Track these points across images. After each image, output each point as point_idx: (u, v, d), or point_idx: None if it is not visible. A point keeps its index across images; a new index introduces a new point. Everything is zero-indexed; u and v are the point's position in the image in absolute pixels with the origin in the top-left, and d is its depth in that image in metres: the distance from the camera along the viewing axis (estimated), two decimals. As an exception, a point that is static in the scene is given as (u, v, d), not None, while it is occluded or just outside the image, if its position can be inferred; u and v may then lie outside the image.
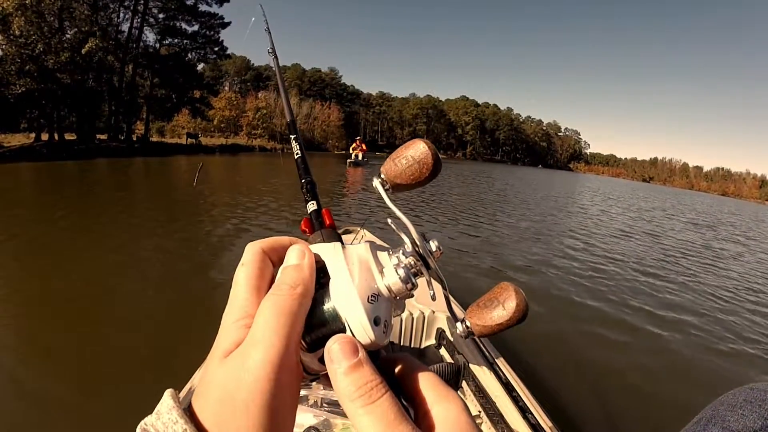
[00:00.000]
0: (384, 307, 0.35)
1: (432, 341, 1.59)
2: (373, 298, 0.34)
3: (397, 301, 0.37)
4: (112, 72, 28.19)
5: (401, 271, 0.37)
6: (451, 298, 0.42)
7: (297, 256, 0.34)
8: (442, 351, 1.56)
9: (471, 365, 1.38)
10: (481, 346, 1.50)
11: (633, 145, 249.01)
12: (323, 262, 0.37)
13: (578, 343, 3.20)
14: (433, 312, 1.56)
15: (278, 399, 0.26)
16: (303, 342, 0.34)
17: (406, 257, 0.38)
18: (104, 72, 26.94)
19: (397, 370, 0.33)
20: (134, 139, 31.60)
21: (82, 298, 3.51)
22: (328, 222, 0.51)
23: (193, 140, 37.71)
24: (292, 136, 0.65)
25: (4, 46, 18.97)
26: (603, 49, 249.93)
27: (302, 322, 0.31)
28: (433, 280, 0.39)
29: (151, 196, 10.08)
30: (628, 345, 3.37)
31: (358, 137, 27.37)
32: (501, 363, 1.44)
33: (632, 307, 4.17)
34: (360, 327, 0.33)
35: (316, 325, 0.34)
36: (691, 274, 6.03)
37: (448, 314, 1.18)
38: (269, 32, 0.99)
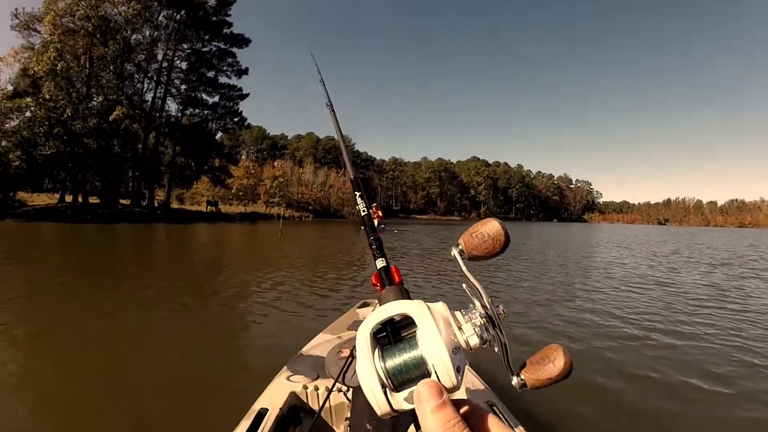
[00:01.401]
0: (462, 358, 0.42)
1: None
2: (455, 350, 0.41)
3: (471, 354, 0.44)
4: (137, 139, 28.75)
5: (478, 330, 0.44)
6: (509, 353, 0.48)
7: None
8: None
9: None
10: (501, 416, 1.54)
11: (645, 189, 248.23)
12: (410, 316, 0.44)
13: (605, 408, 2.97)
14: None
15: None
16: (391, 382, 0.41)
17: (480, 318, 0.45)
18: (129, 139, 27.45)
19: (463, 411, 0.39)
20: (156, 205, 31.55)
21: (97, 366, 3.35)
22: (397, 279, 0.60)
23: (213, 208, 37.77)
24: (357, 194, 0.75)
25: (33, 108, 19.32)
26: (607, 99, 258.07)
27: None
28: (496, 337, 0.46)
29: (196, 264, 9.80)
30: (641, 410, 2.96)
31: (374, 204, 26.98)
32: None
33: (642, 371, 3.67)
34: (445, 373, 0.39)
35: (404, 369, 0.41)
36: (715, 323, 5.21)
37: (468, 386, 1.77)
38: (323, 84, 1.09)
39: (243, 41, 34.89)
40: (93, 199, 25.36)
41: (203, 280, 7.13)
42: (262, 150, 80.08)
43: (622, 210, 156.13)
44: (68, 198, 23.55)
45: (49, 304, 5.12)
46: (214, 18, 32.20)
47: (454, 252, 0.53)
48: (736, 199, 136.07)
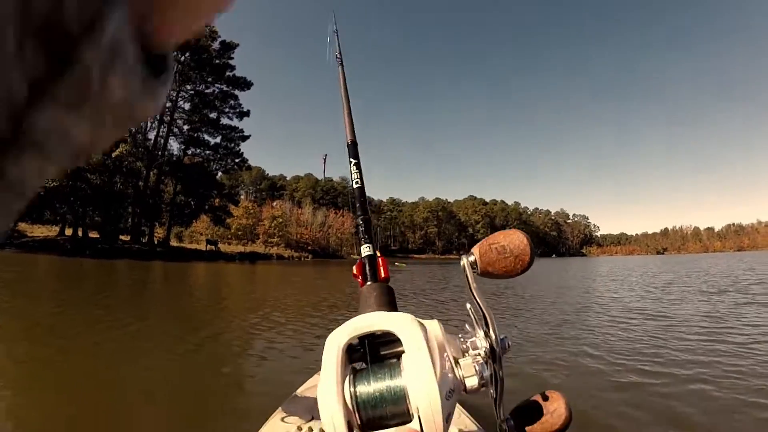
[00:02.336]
0: (454, 402, 0.33)
1: None
2: (449, 394, 0.32)
3: (464, 395, 0.36)
4: (138, 176, 28.99)
5: (478, 368, 0.36)
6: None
7: None
8: None
9: None
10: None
11: (642, 219, 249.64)
12: (391, 330, 0.35)
13: None
14: None
15: None
16: (358, 416, 0.32)
17: (481, 351, 0.37)
18: (131, 176, 27.68)
19: None
20: (155, 242, 31.36)
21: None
22: (383, 274, 0.52)
23: (213, 247, 37.55)
24: (352, 161, 0.67)
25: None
26: (600, 131, 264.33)
27: None
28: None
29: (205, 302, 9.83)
30: None
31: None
32: None
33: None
34: (432, 422, 0.31)
35: (379, 401, 0.31)
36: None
37: (461, 428, 1.27)
38: (337, 36, 1.00)
39: (245, 84, 36.01)
40: (93, 234, 25.23)
41: (199, 320, 7.13)
42: (261, 190, 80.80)
43: (620, 242, 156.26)
44: (68, 231, 23.40)
45: (35, 336, 5.17)
46: (217, 61, 33.37)
47: (464, 262, 0.45)
48: (734, 223, 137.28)
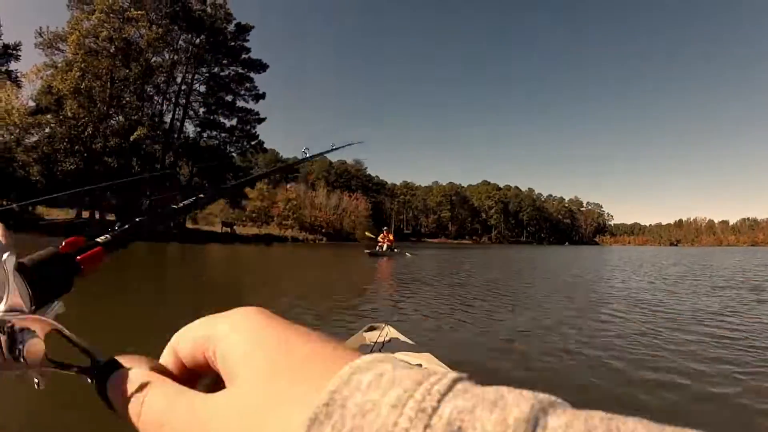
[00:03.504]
0: None
1: None
2: None
3: None
4: (155, 160, 29.06)
5: None
6: None
7: None
8: None
9: None
10: None
11: (656, 210, 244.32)
12: None
13: None
14: None
15: None
16: None
17: None
18: (148, 159, 27.75)
19: None
20: (171, 225, 31.58)
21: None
22: None
23: (228, 229, 37.70)
24: None
25: (52, 125, 19.55)
26: (617, 119, 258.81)
27: None
28: None
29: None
30: None
31: (385, 228, 26.94)
32: None
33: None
34: None
35: None
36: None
37: None
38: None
39: (261, 66, 35.64)
40: (110, 217, 25.48)
41: (212, 300, 7.23)
42: (275, 173, 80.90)
43: (634, 232, 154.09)
44: (85, 214, 23.65)
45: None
46: (232, 43, 32.99)
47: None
48: (748, 218, 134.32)
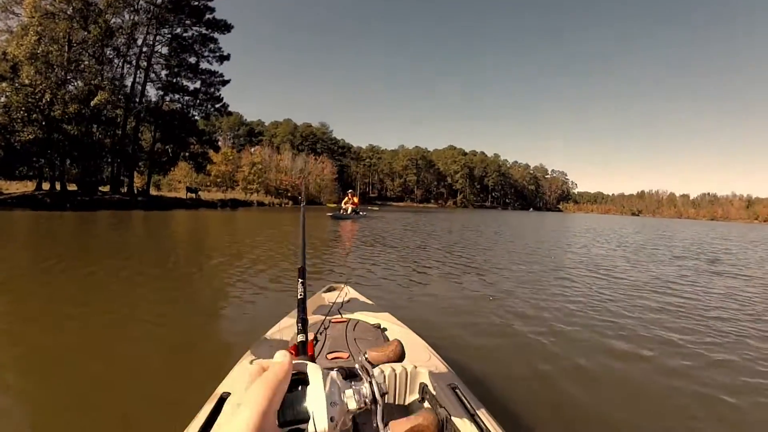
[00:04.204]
0: (338, 411, 0.53)
1: (416, 396, 1.61)
2: (332, 405, 0.52)
3: (347, 413, 0.59)
4: (116, 125, 28.15)
5: (357, 397, 0.61)
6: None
7: (281, 355, 0.50)
8: (426, 405, 1.56)
9: (453, 418, 1.41)
10: (463, 399, 1.53)
11: (619, 180, 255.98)
12: (306, 374, 0.55)
13: (563, 387, 3.04)
14: (416, 368, 1.60)
15: None
16: (277, 419, 0.49)
17: (362, 395, 0.63)
18: (110, 125, 26.89)
19: None
20: (135, 191, 31.08)
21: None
22: (310, 352, 0.91)
23: (193, 194, 37.35)
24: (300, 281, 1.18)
25: (8, 94, 18.74)
26: (584, 88, 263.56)
27: (280, 397, 0.45)
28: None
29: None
30: (617, 387, 3.13)
31: (350, 191, 27.46)
32: (483, 414, 1.47)
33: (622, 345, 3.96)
34: (321, 420, 0.50)
35: (290, 410, 0.50)
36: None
37: (431, 369, 1.62)
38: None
39: (225, 27, 34.29)
40: (71, 187, 24.89)
41: (177, 265, 7.18)
42: (239, 136, 78.87)
43: (597, 201, 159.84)
44: (45, 186, 23.04)
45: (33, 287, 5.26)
46: (195, 2, 31.54)
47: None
48: (708, 193, 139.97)
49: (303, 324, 0.98)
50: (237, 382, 1.59)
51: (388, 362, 1.26)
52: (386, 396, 0.67)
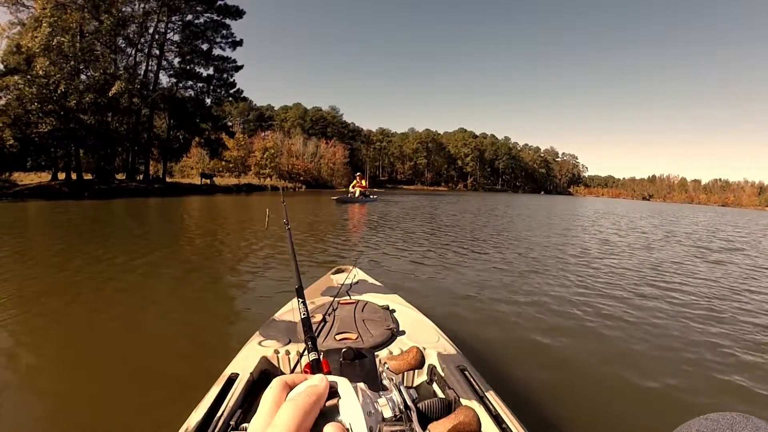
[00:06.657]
0: (374, 420, 0.50)
1: (424, 377, 1.67)
2: (369, 415, 0.49)
3: (383, 422, 0.57)
4: (131, 114, 28.27)
5: (390, 405, 0.59)
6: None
7: (318, 379, 0.47)
8: (434, 386, 1.63)
9: (462, 399, 1.43)
10: (472, 381, 1.53)
11: (631, 164, 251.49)
12: (336, 386, 0.52)
13: (572, 370, 3.01)
14: (424, 348, 1.63)
15: None
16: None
17: (395, 405, 0.60)
18: (126, 113, 27.01)
19: None
20: (150, 178, 31.39)
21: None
22: (325, 369, 0.82)
23: (208, 180, 37.60)
24: (299, 300, 1.19)
25: (21, 86, 18.76)
26: (595, 72, 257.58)
27: (312, 420, 0.41)
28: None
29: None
30: (628, 372, 3.05)
31: (358, 173, 27.33)
32: (491, 396, 1.47)
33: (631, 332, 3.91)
34: (361, 431, 0.47)
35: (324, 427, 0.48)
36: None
37: (440, 351, 1.74)
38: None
39: (237, 13, 33.92)
40: (87, 176, 25.20)
41: (192, 251, 7.28)
42: (249, 121, 78.65)
43: (607, 184, 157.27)
44: (61, 176, 23.36)
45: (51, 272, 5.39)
46: (206, -12, 31.19)
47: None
48: (720, 179, 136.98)
49: (312, 342, 0.98)
50: (245, 363, 1.65)
51: (409, 369, 1.30)
52: (417, 401, 0.69)
